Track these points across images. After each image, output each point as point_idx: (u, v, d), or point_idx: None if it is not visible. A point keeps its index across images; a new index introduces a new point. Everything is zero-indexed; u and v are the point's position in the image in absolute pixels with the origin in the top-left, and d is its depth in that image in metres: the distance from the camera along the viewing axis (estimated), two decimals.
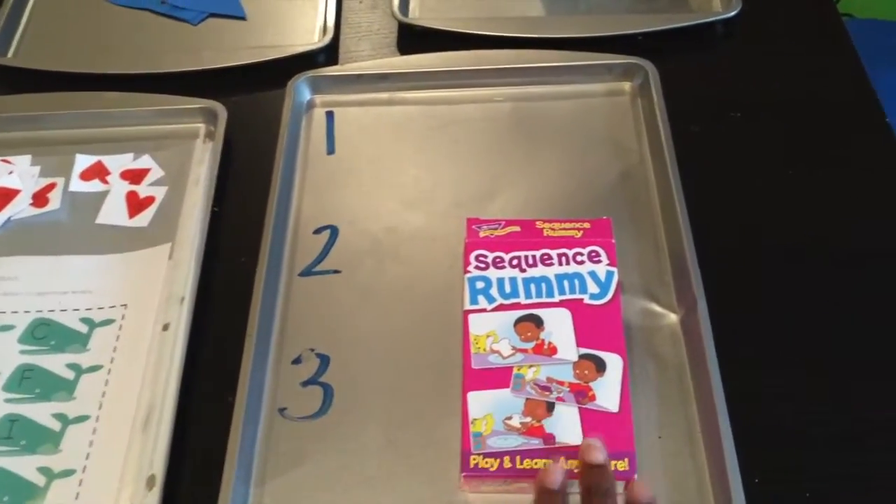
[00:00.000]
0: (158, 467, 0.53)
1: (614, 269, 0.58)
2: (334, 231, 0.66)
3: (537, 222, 0.61)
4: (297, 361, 0.59)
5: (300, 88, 0.73)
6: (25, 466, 0.55)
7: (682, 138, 0.67)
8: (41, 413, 0.57)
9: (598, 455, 0.48)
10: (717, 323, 0.57)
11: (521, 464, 0.51)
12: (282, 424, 0.56)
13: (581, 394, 0.53)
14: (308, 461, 0.55)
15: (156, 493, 0.52)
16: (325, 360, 0.59)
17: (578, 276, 0.58)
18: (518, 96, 0.73)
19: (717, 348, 0.56)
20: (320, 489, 0.54)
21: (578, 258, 0.59)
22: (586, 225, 0.61)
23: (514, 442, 0.52)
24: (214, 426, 0.55)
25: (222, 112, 0.71)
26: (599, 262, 0.58)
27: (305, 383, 0.58)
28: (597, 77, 0.74)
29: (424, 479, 0.53)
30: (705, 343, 0.56)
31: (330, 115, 0.74)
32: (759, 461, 0.53)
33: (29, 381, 0.58)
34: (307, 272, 0.64)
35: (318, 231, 0.66)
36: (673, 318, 0.60)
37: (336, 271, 0.64)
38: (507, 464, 0.51)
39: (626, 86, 0.73)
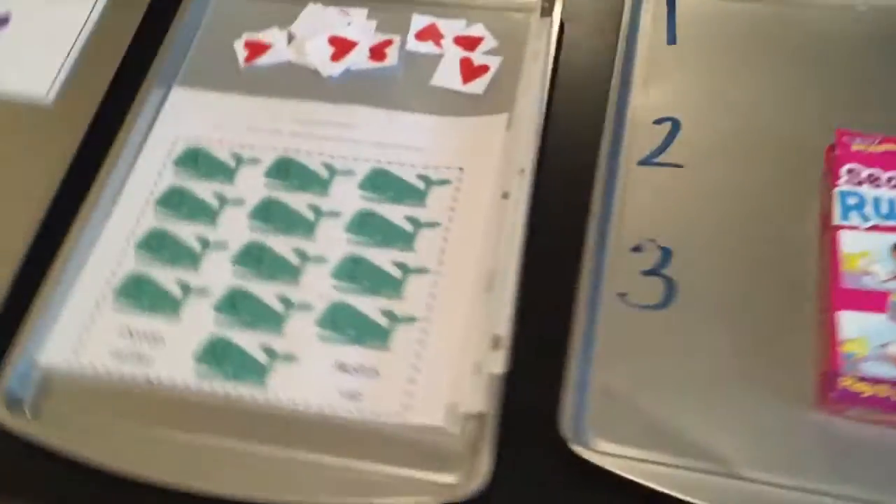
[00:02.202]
0: (503, 328, 0.52)
1: None
2: (676, 124, 0.62)
3: None
4: (637, 249, 0.57)
5: None
6: (369, 306, 0.56)
7: None
8: (381, 258, 0.58)
9: None
10: None
11: None
12: (622, 309, 0.54)
13: None
14: (649, 351, 0.53)
15: (501, 353, 0.51)
16: (666, 253, 0.56)
17: None
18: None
19: None
20: (661, 382, 0.52)
21: None
22: None
23: (894, 372, 0.47)
24: (552, 297, 0.54)
25: None
26: None
27: (647, 273, 0.56)
28: None
29: (770, 394, 0.50)
30: None
31: (671, 1, 0.69)
32: None
33: (369, 227, 0.59)
34: (646, 161, 0.61)
35: (658, 122, 0.63)
36: None
37: (678, 165, 0.60)
38: (883, 392, 0.47)
39: None
